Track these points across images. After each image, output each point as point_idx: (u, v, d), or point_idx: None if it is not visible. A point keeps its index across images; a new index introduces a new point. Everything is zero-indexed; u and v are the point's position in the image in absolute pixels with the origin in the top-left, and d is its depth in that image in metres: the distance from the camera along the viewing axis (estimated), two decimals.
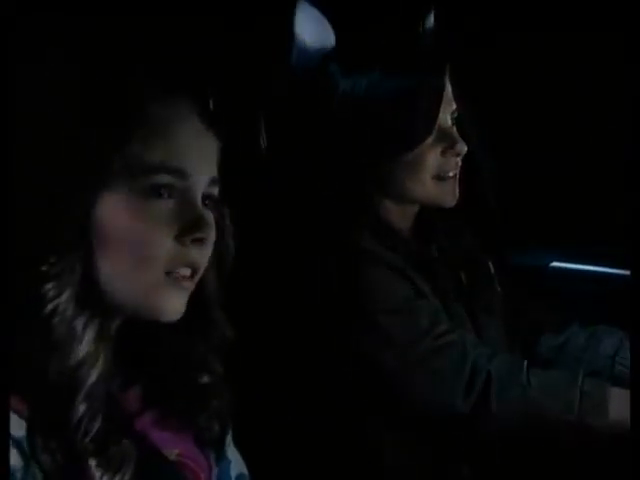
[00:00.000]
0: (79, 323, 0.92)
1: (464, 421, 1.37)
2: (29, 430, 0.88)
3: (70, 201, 0.92)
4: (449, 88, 1.47)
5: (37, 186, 0.92)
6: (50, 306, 0.91)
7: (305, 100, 1.52)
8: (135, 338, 1.02)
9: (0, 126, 0.91)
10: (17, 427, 0.88)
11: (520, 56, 1.87)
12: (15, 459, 0.87)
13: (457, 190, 1.49)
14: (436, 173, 1.47)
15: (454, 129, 1.48)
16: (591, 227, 1.80)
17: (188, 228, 0.96)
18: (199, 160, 0.98)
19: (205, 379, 1.06)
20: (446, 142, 1.46)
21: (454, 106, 1.49)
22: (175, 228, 0.95)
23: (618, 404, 1.36)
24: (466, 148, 1.47)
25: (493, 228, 1.63)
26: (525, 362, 1.41)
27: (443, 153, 1.46)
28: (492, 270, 1.62)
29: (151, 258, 0.94)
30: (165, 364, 1.05)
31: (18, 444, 0.87)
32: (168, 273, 0.96)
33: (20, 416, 0.89)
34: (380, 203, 1.50)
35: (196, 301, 1.01)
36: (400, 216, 1.53)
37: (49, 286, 0.91)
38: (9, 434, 0.85)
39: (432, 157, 1.46)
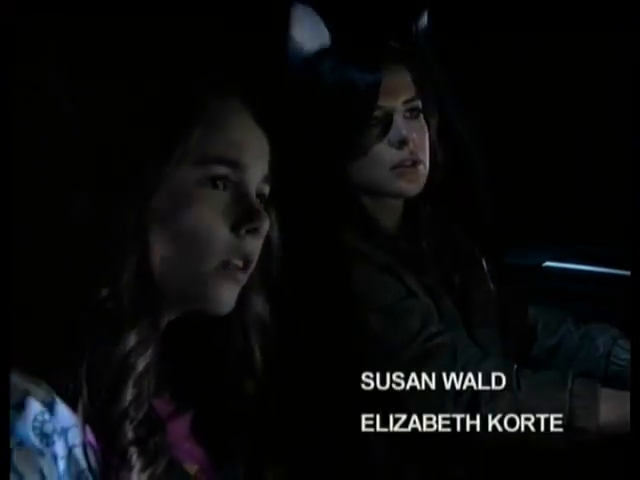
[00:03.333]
0: (133, 311, 0.93)
1: (455, 423, 1.38)
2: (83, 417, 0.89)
3: (129, 190, 0.94)
4: (404, 75, 1.49)
5: (96, 173, 0.95)
6: (104, 292, 0.92)
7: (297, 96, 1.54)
8: (178, 338, 1.03)
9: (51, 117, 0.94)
10: (65, 418, 0.89)
11: (520, 55, 1.88)
12: (60, 448, 0.88)
13: (421, 178, 1.49)
14: (392, 164, 1.47)
15: (400, 118, 1.47)
16: (590, 227, 1.80)
17: (243, 219, 0.98)
18: (253, 155, 1.00)
19: (248, 385, 1.06)
20: (390, 132, 1.46)
21: (409, 95, 1.48)
22: (230, 219, 0.98)
23: (609, 405, 1.35)
24: (404, 134, 1.46)
25: (486, 226, 1.63)
26: (515, 365, 1.41)
27: (392, 144, 1.47)
28: (485, 268, 1.62)
29: (208, 247, 0.96)
30: (205, 367, 1.06)
31: (65, 433, 0.89)
32: (223, 264, 0.97)
33: (68, 405, 0.90)
34: (360, 200, 1.51)
35: (243, 301, 1.02)
36: (384, 212, 1.52)
37: (105, 271, 0.92)
38: (9, 430, 0.85)
39: (384, 148, 1.47)
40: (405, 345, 1.40)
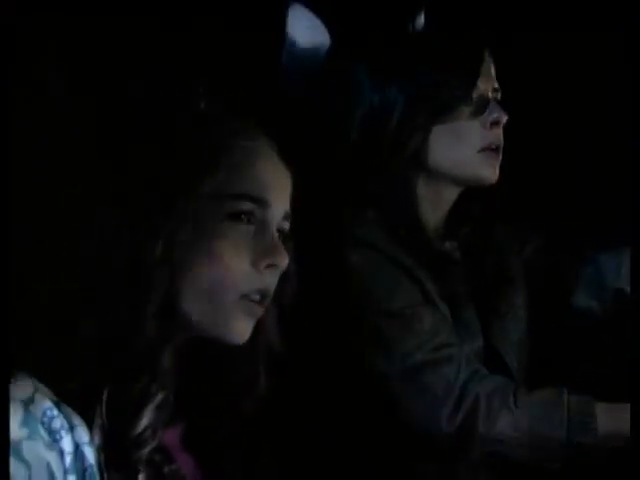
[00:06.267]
0: (157, 344, 0.96)
1: (447, 440, 1.37)
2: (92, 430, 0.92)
3: (158, 223, 0.96)
4: (492, 66, 1.51)
5: (127, 203, 0.97)
6: (128, 327, 0.94)
7: (320, 96, 1.54)
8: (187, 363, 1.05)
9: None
10: (72, 416, 0.91)
11: (520, 55, 1.88)
12: (67, 444, 0.90)
13: (498, 167, 1.50)
14: (480, 146, 1.48)
15: (495, 103, 1.50)
16: (589, 226, 1.80)
17: (264, 254, 1.01)
18: (277, 192, 1.04)
19: (247, 406, 1.08)
20: (486, 112, 1.48)
21: (496, 84, 1.51)
22: (252, 254, 1.00)
23: (606, 418, 1.35)
24: (506, 118, 1.49)
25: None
26: (514, 384, 1.41)
27: (484, 124, 1.48)
28: (520, 271, 1.61)
29: (229, 280, 0.99)
30: (207, 383, 1.08)
31: (72, 430, 0.91)
32: (242, 297, 1.00)
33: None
34: (416, 185, 1.50)
35: (257, 329, 1.04)
36: (434, 206, 1.52)
37: (132, 301, 0.95)
38: (8, 435, 0.87)
39: (475, 127, 1.48)
40: (411, 351, 1.39)
